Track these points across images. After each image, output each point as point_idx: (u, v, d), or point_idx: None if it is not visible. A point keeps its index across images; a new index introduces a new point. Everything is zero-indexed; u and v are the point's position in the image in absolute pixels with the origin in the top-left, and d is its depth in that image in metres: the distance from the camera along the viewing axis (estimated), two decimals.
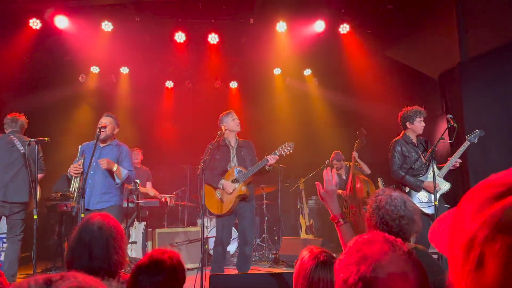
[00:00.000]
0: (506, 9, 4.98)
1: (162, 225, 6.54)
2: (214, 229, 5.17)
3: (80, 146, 4.47)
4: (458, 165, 4.41)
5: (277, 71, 8.36)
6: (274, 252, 6.67)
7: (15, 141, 4.56)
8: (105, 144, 4.47)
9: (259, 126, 8.89)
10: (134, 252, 5.80)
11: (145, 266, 1.72)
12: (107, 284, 1.89)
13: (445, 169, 4.37)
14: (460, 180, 5.40)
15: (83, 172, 4.14)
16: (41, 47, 6.55)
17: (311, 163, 7.74)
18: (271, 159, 4.38)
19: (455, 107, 5.54)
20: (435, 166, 4.22)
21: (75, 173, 4.17)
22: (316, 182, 2.29)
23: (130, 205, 5.91)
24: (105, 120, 4.43)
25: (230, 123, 4.62)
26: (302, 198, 7.18)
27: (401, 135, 4.65)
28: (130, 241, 5.78)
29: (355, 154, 6.49)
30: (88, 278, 0.71)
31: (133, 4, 6.19)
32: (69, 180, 5.46)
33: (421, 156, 4.50)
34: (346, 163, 6.95)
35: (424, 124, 4.53)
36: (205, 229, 6.08)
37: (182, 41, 6.92)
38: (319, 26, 6.65)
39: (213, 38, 6.92)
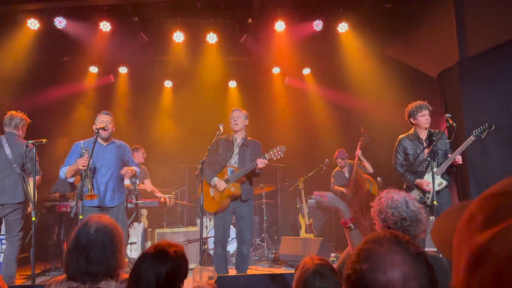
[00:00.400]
0: (505, 7, 4.97)
1: (161, 225, 6.53)
2: (214, 229, 5.17)
3: (80, 143, 4.45)
4: (460, 161, 4.38)
5: (276, 70, 8.35)
6: (274, 252, 6.66)
7: (3, 142, 4.53)
8: (108, 142, 4.49)
9: (258, 126, 8.88)
10: (133, 252, 5.80)
11: (150, 255, 1.72)
12: (106, 284, 1.88)
13: (444, 166, 4.36)
14: (459, 178, 5.40)
15: (89, 168, 4.19)
16: (40, 47, 6.53)
17: (310, 162, 7.73)
18: (260, 162, 4.33)
19: (454, 105, 5.53)
20: (433, 164, 4.21)
21: (84, 166, 4.16)
22: (314, 193, 2.25)
23: (129, 205, 5.91)
24: (106, 119, 4.45)
25: (231, 122, 4.67)
26: (301, 197, 7.18)
27: (410, 131, 4.70)
28: (129, 241, 5.77)
29: (359, 152, 6.45)
30: None
31: (131, 4, 6.18)
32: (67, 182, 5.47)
33: (424, 152, 4.48)
34: (349, 161, 6.92)
35: (428, 118, 4.52)
36: (204, 229, 6.07)
37: (180, 40, 6.91)
38: (318, 25, 6.65)
39: (211, 38, 6.91)
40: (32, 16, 6.17)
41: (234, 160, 4.62)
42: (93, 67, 7.79)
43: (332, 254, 6.10)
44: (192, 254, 5.90)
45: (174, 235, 6.10)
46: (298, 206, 7.34)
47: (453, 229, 0.58)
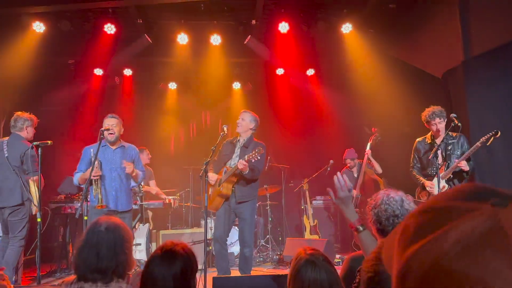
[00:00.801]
0: (510, 6, 4.94)
1: (166, 226, 6.55)
2: None
3: (89, 150, 4.46)
4: (464, 167, 4.35)
5: (280, 71, 8.35)
6: (278, 253, 6.65)
7: (4, 145, 4.58)
8: (116, 146, 4.50)
9: (263, 127, 8.88)
10: (138, 254, 5.81)
11: (159, 257, 1.72)
12: (117, 286, 1.89)
13: (449, 170, 4.35)
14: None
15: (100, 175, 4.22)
16: (45, 50, 6.58)
17: (314, 163, 7.72)
18: (240, 164, 4.29)
19: (459, 106, 5.50)
20: (438, 167, 4.19)
21: (94, 176, 4.21)
22: (327, 189, 2.24)
23: (134, 206, 5.92)
24: (111, 122, 4.44)
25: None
26: (306, 199, 7.16)
27: (427, 135, 4.78)
28: (134, 243, 5.79)
29: (369, 152, 6.38)
30: None
31: (135, 6, 6.21)
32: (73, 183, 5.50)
33: (438, 156, 4.48)
34: (358, 160, 6.85)
35: (438, 127, 4.55)
36: (209, 230, 6.08)
37: (184, 42, 6.93)
38: (321, 26, 6.63)
39: (215, 39, 6.92)
40: (37, 19, 6.21)
41: (234, 161, 4.63)
42: (98, 69, 7.82)
43: (337, 256, 6.08)
44: (197, 255, 5.89)
45: (179, 236, 6.11)
46: (302, 207, 7.33)
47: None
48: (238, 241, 6.04)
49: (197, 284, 4.02)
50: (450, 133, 4.52)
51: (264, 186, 6.99)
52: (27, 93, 7.09)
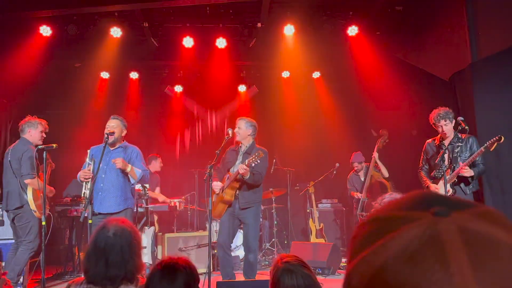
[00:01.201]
0: None
1: (171, 229, 6.55)
2: None
3: (89, 151, 4.49)
4: (464, 173, 4.30)
5: (285, 74, 8.34)
6: None
7: (9, 150, 4.65)
8: (115, 147, 4.49)
9: (268, 130, 8.87)
10: (143, 257, 5.81)
11: (160, 273, 1.69)
12: None
13: (453, 175, 4.30)
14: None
15: (93, 176, 4.16)
16: (52, 53, 6.63)
17: (320, 166, 7.68)
18: (240, 168, 4.27)
19: (466, 108, 5.44)
20: (444, 170, 4.15)
21: (85, 179, 4.17)
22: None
23: (140, 209, 5.93)
24: (112, 123, 4.44)
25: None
26: (312, 202, 7.12)
27: (437, 136, 4.72)
28: None
29: (375, 154, 6.33)
30: None
31: (141, 10, 6.23)
32: (80, 185, 5.53)
33: (445, 158, 4.43)
34: (366, 163, 6.79)
35: (444, 130, 4.48)
36: (213, 234, 6.06)
37: (190, 45, 6.94)
38: (327, 28, 6.61)
39: (221, 43, 6.93)
40: (44, 22, 6.26)
41: (236, 168, 4.61)
42: (104, 72, 7.86)
43: (343, 260, 6.03)
44: (202, 259, 5.89)
45: (184, 239, 6.10)
46: (308, 210, 7.29)
47: None
48: (241, 245, 6.04)
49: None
50: (459, 134, 4.46)
51: (270, 189, 6.97)
52: (34, 96, 7.15)
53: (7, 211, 4.61)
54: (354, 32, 6.72)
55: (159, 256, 6.02)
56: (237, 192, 4.52)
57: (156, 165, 6.89)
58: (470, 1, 5.41)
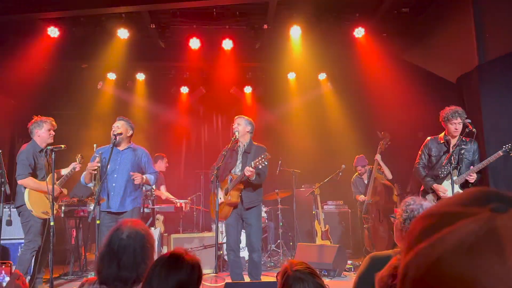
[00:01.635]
0: None
1: (177, 230, 6.56)
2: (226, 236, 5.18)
3: (95, 149, 4.54)
4: (471, 180, 4.29)
5: (291, 76, 8.34)
6: (289, 258, 6.61)
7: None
8: (123, 148, 4.53)
9: (274, 131, 8.88)
10: None
11: (164, 261, 1.70)
12: None
13: (462, 177, 4.28)
14: (479, 186, 5.28)
15: (101, 176, 4.22)
16: (59, 54, 6.67)
17: (326, 168, 7.67)
18: (247, 171, 4.28)
19: (473, 111, 5.42)
20: (453, 172, 4.12)
21: (93, 170, 4.26)
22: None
23: (146, 210, 5.96)
24: (118, 124, 4.51)
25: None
26: (317, 204, 7.11)
27: (441, 134, 4.66)
28: None
29: (378, 156, 6.34)
30: None
31: (148, 11, 6.26)
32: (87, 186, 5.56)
33: (446, 158, 4.41)
34: (369, 166, 6.80)
35: (457, 128, 4.43)
36: (219, 235, 6.07)
37: (197, 47, 6.97)
38: (334, 30, 6.60)
39: (227, 44, 6.95)
40: (52, 24, 6.30)
41: (238, 168, 4.63)
42: (111, 73, 7.90)
43: (349, 262, 6.02)
44: (207, 260, 5.90)
45: (190, 240, 6.12)
46: (314, 212, 7.28)
47: None
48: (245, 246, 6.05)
49: None
50: (463, 137, 4.44)
51: (275, 190, 6.97)
52: (41, 97, 7.19)
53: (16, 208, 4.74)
54: (360, 34, 6.72)
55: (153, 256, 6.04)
56: (242, 193, 4.55)
57: (161, 165, 6.95)
58: (477, 3, 5.39)
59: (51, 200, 4.22)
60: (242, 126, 4.66)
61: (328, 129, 8.66)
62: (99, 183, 4.17)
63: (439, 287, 0.44)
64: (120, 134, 4.39)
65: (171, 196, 6.69)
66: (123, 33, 6.52)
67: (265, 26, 6.65)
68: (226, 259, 6.10)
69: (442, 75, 6.31)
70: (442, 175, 4.39)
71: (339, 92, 8.44)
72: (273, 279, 5.33)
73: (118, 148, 4.50)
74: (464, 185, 4.36)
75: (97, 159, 4.29)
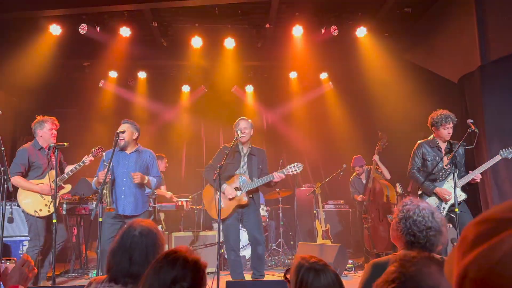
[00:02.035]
0: None
1: (178, 228, 6.57)
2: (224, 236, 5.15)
3: (104, 154, 4.54)
4: (478, 180, 4.30)
5: (293, 75, 8.34)
6: (290, 257, 6.62)
7: None
8: (131, 151, 4.51)
9: (275, 130, 8.88)
10: None
11: (161, 257, 1.70)
12: None
13: (465, 180, 4.28)
14: (481, 188, 5.29)
15: (109, 180, 4.24)
16: (61, 52, 6.67)
17: (327, 167, 7.68)
18: (277, 177, 4.46)
19: (475, 111, 5.43)
20: (455, 174, 4.11)
21: (102, 180, 4.26)
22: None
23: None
24: (121, 128, 4.47)
25: (236, 132, 4.65)
26: (318, 203, 7.12)
27: (429, 137, 4.62)
28: None
29: (376, 157, 6.37)
30: None
31: (150, 10, 6.26)
32: (88, 183, 5.58)
33: (444, 162, 4.41)
34: (367, 166, 6.83)
35: (450, 132, 4.42)
36: (221, 234, 6.07)
37: (198, 46, 6.97)
38: (335, 29, 6.60)
39: (229, 43, 6.95)
40: (54, 21, 6.30)
41: (243, 169, 4.65)
42: (112, 71, 7.90)
43: (350, 261, 6.03)
44: (208, 258, 5.90)
45: (191, 238, 6.12)
46: (314, 211, 7.29)
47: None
48: (249, 245, 6.05)
49: (210, 287, 4.02)
50: (450, 140, 4.46)
51: (276, 189, 6.97)
52: (43, 94, 7.20)
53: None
54: (362, 34, 6.72)
55: None
56: (252, 194, 4.63)
57: (161, 164, 6.94)
58: (480, 3, 5.39)
59: (51, 197, 4.23)
60: (248, 130, 4.69)
61: (329, 129, 8.66)
62: (107, 191, 4.20)
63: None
64: (123, 132, 4.38)
65: (173, 196, 6.70)
66: (125, 31, 6.52)
67: (267, 25, 6.65)
68: (226, 258, 6.12)
69: (444, 75, 6.31)
70: (441, 178, 4.39)
71: (341, 92, 8.44)
72: (274, 278, 5.33)
73: (125, 151, 4.49)
74: (464, 187, 4.36)
75: (106, 168, 4.28)
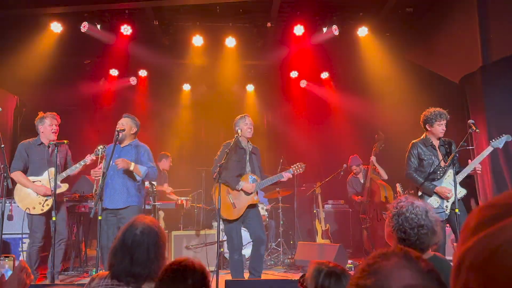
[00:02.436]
0: None
1: (178, 227, 6.56)
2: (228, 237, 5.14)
3: (100, 148, 4.53)
4: (479, 171, 4.28)
5: (294, 74, 8.33)
6: (290, 257, 6.61)
7: None
8: (125, 145, 4.51)
9: (276, 129, 8.87)
10: None
11: (173, 274, 1.68)
12: (149, 286, 1.88)
13: (462, 175, 4.26)
14: (481, 186, 5.28)
15: (104, 173, 4.19)
16: (62, 50, 6.67)
17: (327, 167, 7.67)
18: (286, 176, 4.56)
19: (476, 111, 5.42)
20: (453, 173, 4.10)
21: (96, 176, 4.28)
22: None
23: (147, 207, 5.94)
24: (122, 121, 4.49)
25: (243, 128, 4.61)
26: (318, 203, 7.11)
27: (421, 136, 4.57)
28: None
29: (373, 158, 6.40)
30: None
31: (151, 8, 6.26)
32: (89, 182, 5.57)
33: (440, 160, 4.39)
34: (364, 166, 6.85)
35: (444, 128, 4.40)
36: (221, 233, 6.07)
37: (200, 44, 6.96)
38: (337, 29, 6.59)
39: (230, 42, 6.94)
40: (55, 19, 6.30)
41: (248, 168, 4.64)
42: (113, 70, 7.90)
43: (349, 261, 6.02)
44: (208, 257, 5.90)
45: (190, 237, 6.12)
46: (314, 211, 7.28)
47: None
48: (248, 244, 6.04)
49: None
50: (441, 138, 4.45)
51: (276, 189, 6.96)
52: (44, 92, 7.19)
53: None
54: (363, 33, 6.71)
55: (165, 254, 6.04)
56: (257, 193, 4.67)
57: (166, 163, 7.03)
58: (482, 4, 5.38)
59: (47, 196, 4.24)
60: (252, 127, 4.68)
61: (329, 128, 8.65)
62: (102, 180, 4.16)
63: (497, 275, 0.45)
64: (123, 130, 4.37)
65: (172, 192, 6.72)
66: (126, 30, 6.51)
67: (269, 24, 6.64)
68: (226, 257, 6.11)
69: (446, 75, 6.30)
70: (439, 177, 4.37)
71: (341, 91, 8.42)
72: (273, 277, 5.33)
73: (120, 145, 4.48)
74: (464, 181, 4.35)
75: (101, 164, 4.27)
